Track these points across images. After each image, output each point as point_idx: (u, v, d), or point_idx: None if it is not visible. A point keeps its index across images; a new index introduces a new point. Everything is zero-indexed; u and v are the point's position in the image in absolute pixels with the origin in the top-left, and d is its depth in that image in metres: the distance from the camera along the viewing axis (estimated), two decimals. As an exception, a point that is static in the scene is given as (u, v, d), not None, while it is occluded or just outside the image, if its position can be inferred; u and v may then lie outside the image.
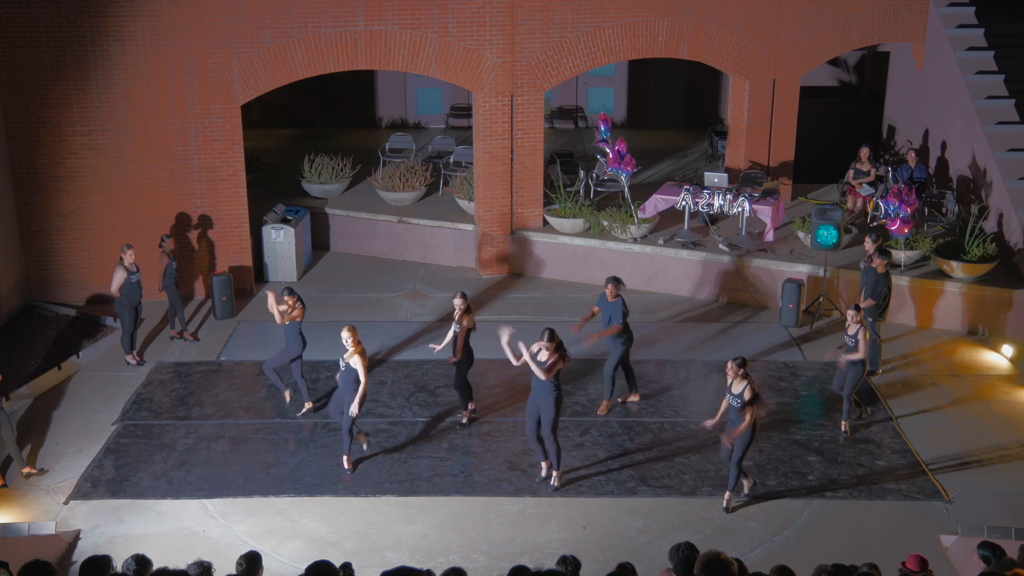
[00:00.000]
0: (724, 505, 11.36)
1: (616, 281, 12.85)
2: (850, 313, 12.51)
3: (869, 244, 14.35)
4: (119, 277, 14.00)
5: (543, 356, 11.27)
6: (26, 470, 11.81)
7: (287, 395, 13.35)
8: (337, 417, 11.97)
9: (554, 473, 11.74)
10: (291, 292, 12.75)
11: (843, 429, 12.79)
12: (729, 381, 10.97)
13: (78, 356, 14.38)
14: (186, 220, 16.27)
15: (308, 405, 13.21)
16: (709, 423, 11.51)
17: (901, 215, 15.03)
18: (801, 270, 16.08)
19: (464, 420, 12.97)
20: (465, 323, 12.47)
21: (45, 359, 14.17)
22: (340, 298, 16.72)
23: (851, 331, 12.48)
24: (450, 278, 17.55)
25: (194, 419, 13.18)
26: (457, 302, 12.56)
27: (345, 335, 11.54)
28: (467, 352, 12.64)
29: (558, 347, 11.29)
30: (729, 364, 10.92)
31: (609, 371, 13.11)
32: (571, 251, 17.28)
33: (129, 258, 14.07)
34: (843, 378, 12.72)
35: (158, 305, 15.80)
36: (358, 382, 11.54)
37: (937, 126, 18.46)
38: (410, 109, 24.06)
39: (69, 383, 14.00)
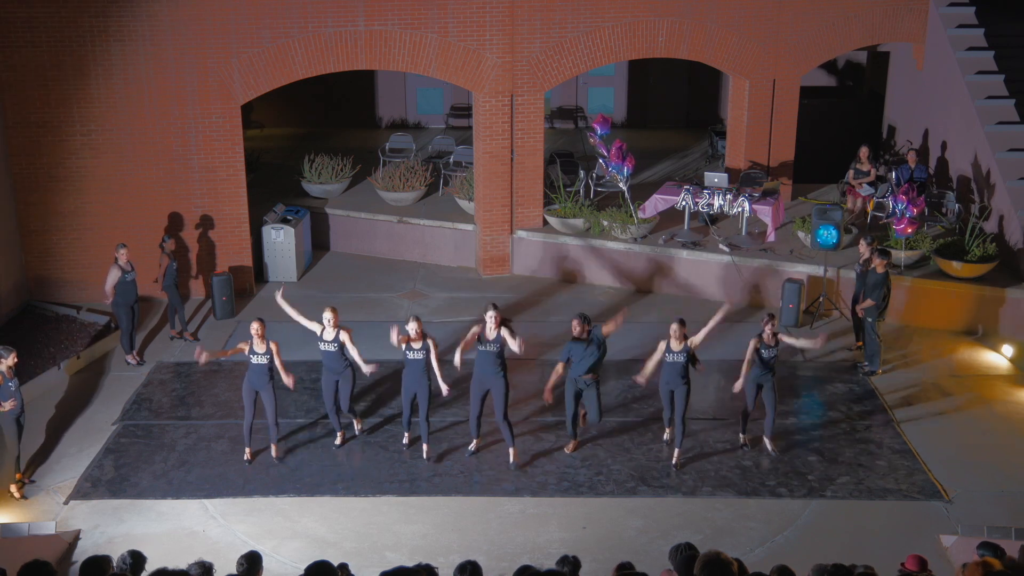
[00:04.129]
0: (674, 462, 12.09)
1: (584, 319, 11.84)
2: (673, 327, 11.73)
3: (864, 247, 14.37)
4: (113, 277, 13.99)
5: (491, 333, 11.68)
6: (18, 477, 11.73)
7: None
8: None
9: (511, 451, 12.01)
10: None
11: (771, 450, 12.38)
12: (672, 341, 11.65)
13: (78, 356, 14.38)
14: (186, 220, 16.27)
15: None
16: (641, 379, 11.88)
17: (908, 215, 15.02)
18: (801, 270, 16.08)
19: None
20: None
21: (45, 359, 14.18)
22: (340, 298, 16.69)
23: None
24: (450, 278, 17.55)
25: (194, 419, 13.18)
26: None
27: (328, 316, 11.90)
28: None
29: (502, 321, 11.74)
30: (675, 327, 11.63)
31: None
32: (571, 251, 17.27)
33: (123, 257, 14.06)
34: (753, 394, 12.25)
35: (157, 305, 15.81)
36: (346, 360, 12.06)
37: (937, 126, 18.46)
38: (410, 109, 24.07)
39: (69, 383, 14.00)
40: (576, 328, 11.74)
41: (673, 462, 12.11)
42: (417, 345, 11.71)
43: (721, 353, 14.71)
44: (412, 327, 11.68)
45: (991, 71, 17.54)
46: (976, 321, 15.39)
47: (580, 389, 11.96)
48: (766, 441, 12.40)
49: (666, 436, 12.52)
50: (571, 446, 12.42)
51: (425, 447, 12.20)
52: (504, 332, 11.60)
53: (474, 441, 12.27)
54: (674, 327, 11.68)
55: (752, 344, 12.00)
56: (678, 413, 11.93)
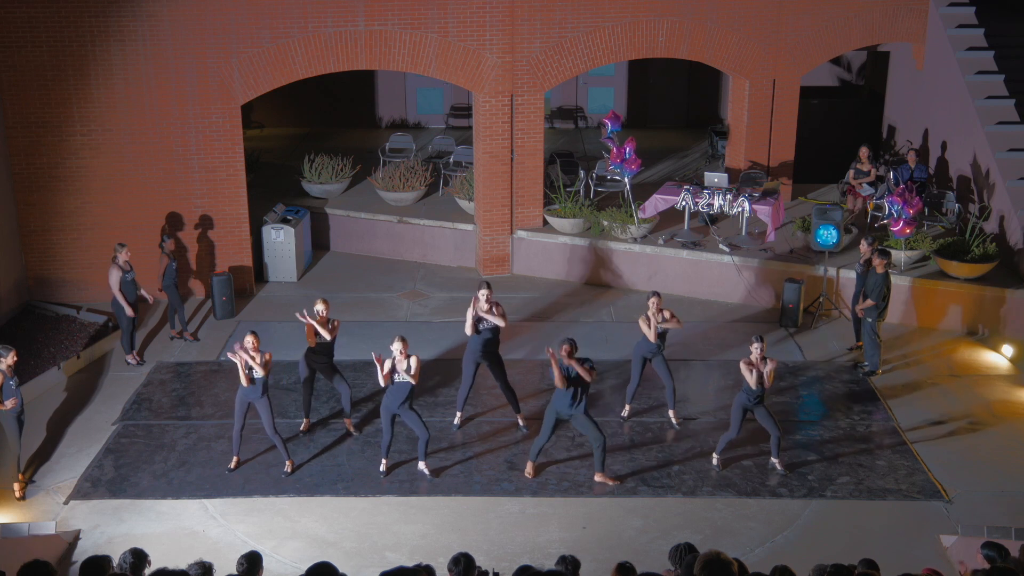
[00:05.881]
0: (675, 422, 12.99)
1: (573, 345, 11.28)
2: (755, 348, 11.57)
3: (865, 247, 14.36)
4: (115, 277, 13.99)
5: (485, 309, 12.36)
6: (21, 477, 11.71)
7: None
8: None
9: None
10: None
11: (779, 468, 12.02)
12: (654, 313, 12.43)
13: (78, 356, 14.38)
14: (186, 220, 16.27)
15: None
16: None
17: (904, 216, 15.02)
18: (801, 270, 16.08)
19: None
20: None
21: (45, 359, 14.18)
22: (340, 298, 16.70)
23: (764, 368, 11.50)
24: (450, 278, 17.55)
25: (194, 419, 13.18)
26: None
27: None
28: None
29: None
30: (654, 299, 12.46)
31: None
32: (571, 251, 17.27)
33: (123, 257, 14.06)
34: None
35: (157, 305, 15.80)
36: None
37: (937, 126, 18.46)
38: (410, 109, 24.05)
39: (69, 383, 14.00)
40: (564, 352, 11.12)
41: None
42: (403, 366, 11.35)
43: (720, 354, 14.72)
44: (397, 347, 11.36)
45: (991, 71, 17.54)
46: (976, 321, 15.39)
47: (562, 419, 11.56)
48: (774, 460, 12.01)
49: (624, 412, 13.20)
50: (529, 468, 11.89)
51: (422, 464, 11.94)
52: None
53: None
54: (655, 299, 12.49)
55: (743, 366, 11.58)
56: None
